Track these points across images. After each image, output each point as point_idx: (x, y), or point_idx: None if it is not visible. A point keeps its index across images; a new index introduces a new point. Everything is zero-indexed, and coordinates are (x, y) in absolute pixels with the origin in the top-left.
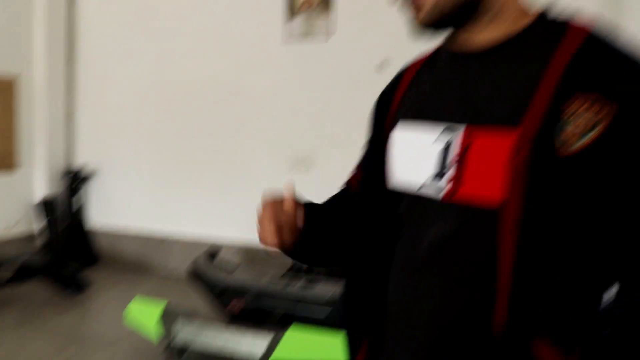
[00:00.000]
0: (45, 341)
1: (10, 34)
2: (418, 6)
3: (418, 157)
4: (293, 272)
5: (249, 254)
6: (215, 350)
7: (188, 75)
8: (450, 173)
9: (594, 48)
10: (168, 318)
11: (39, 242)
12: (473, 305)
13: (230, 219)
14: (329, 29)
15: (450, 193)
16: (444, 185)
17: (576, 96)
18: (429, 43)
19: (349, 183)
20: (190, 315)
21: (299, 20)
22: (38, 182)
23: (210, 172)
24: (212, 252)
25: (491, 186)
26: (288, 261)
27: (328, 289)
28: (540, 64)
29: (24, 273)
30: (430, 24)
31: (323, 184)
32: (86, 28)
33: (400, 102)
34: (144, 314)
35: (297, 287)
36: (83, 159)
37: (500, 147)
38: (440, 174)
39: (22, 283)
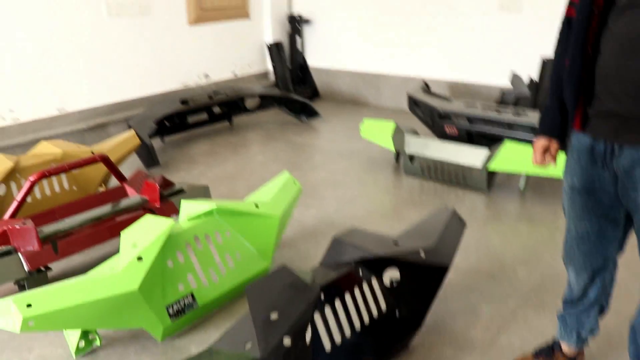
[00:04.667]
0: (294, 151)
1: None
2: None
3: None
4: (501, 103)
5: (455, 89)
6: (439, 159)
7: None
8: None
9: None
10: (397, 133)
11: (271, 79)
12: None
13: (437, 58)
14: None
15: None
16: None
17: None
18: None
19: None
20: (415, 133)
21: None
22: (266, 28)
23: (417, 14)
24: (426, 85)
25: None
26: (494, 94)
27: (537, 117)
28: None
29: (265, 102)
30: None
31: (532, 25)
32: None
33: None
34: (378, 128)
35: (508, 114)
36: (299, 8)
37: None
38: None
39: (265, 110)
